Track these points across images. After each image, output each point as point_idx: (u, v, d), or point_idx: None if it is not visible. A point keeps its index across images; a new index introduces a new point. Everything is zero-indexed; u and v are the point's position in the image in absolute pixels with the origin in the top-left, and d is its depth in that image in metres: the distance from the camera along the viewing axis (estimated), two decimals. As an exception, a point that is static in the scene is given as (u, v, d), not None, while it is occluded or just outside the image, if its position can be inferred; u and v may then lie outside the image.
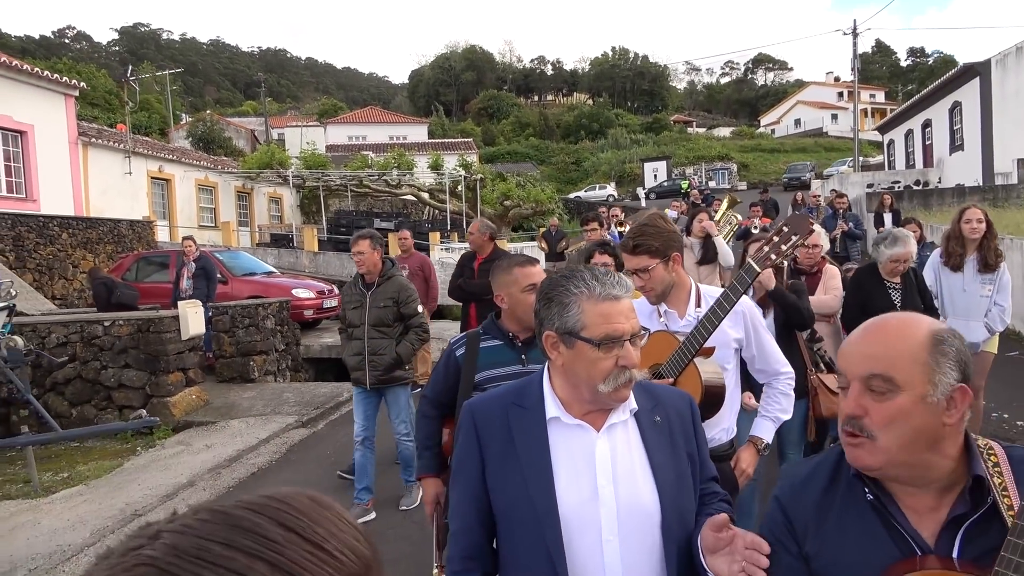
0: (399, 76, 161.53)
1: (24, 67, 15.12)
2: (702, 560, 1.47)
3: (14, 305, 6.35)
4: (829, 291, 4.63)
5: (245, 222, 24.24)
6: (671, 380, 2.37)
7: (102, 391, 8.09)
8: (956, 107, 23.63)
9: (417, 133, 55.84)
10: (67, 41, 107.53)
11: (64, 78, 16.20)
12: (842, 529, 1.25)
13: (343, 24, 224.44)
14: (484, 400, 1.72)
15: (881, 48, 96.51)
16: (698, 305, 2.62)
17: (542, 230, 16.19)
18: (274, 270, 13.93)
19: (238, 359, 9.64)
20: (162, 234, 18.68)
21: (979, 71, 21.56)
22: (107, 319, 8.05)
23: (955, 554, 1.16)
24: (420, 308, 5.23)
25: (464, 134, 62.25)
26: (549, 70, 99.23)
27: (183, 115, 59.95)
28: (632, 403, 1.59)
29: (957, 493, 1.19)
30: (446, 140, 50.79)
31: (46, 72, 15.69)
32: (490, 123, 74.44)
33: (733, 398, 2.72)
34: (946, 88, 24.15)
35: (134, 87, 19.12)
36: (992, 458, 1.19)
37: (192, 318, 8.02)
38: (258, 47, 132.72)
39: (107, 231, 15.06)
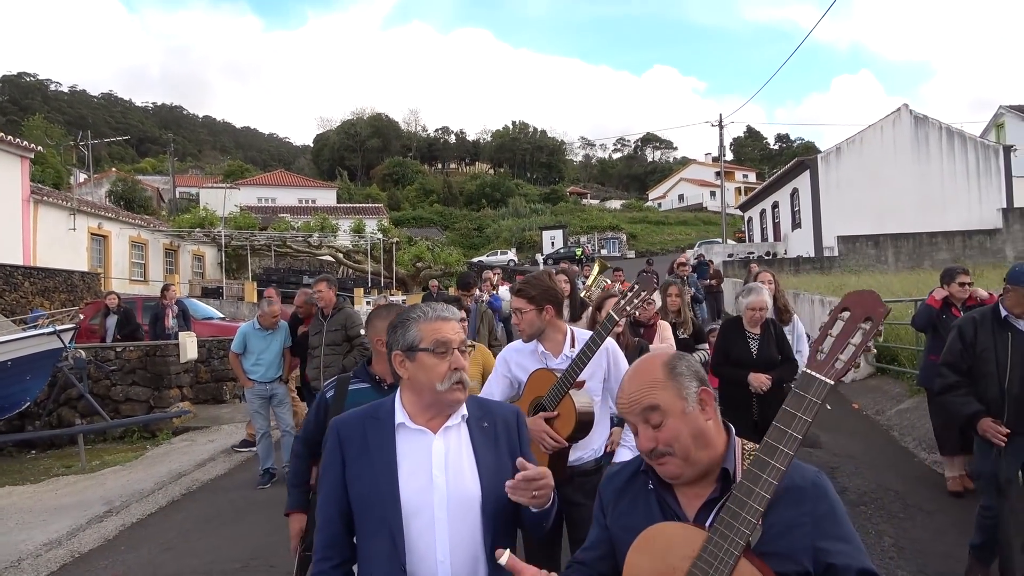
0: (300, 138, 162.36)
1: (-10, 132, 16.74)
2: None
3: (78, 327, 8.44)
4: (664, 340, 5.22)
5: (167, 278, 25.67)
6: (553, 410, 2.82)
7: (111, 405, 10.04)
8: (795, 193, 28.61)
9: (326, 197, 57.68)
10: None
11: (23, 142, 17.82)
12: (632, 508, 1.61)
13: (241, 84, 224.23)
14: (346, 416, 2.04)
15: (752, 134, 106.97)
16: (572, 346, 3.06)
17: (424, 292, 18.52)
18: (223, 316, 15.94)
19: (212, 384, 11.72)
20: (99, 286, 20.08)
21: (808, 165, 26.55)
22: (119, 346, 10.10)
23: (708, 524, 1.46)
24: (363, 331, 5.93)
25: (370, 199, 64.18)
26: (453, 140, 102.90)
27: (75, 169, 59.30)
28: (464, 411, 1.94)
29: (715, 481, 1.51)
30: (357, 205, 52.84)
31: (10, 137, 17.32)
32: (395, 188, 76.40)
33: (601, 426, 3.17)
34: (787, 177, 29.18)
35: (83, 151, 20.71)
36: (752, 456, 1.45)
37: (190, 346, 10.17)
38: (152, 103, 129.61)
39: (62, 281, 16.62)
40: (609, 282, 13.41)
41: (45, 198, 18.91)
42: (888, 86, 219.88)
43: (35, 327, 9.21)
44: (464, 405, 1.95)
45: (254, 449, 8.25)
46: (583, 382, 2.91)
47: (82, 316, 10.32)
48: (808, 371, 1.39)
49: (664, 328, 5.30)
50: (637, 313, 3.40)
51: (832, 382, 1.37)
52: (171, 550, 5.63)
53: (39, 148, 18.09)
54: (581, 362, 2.84)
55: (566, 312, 7.67)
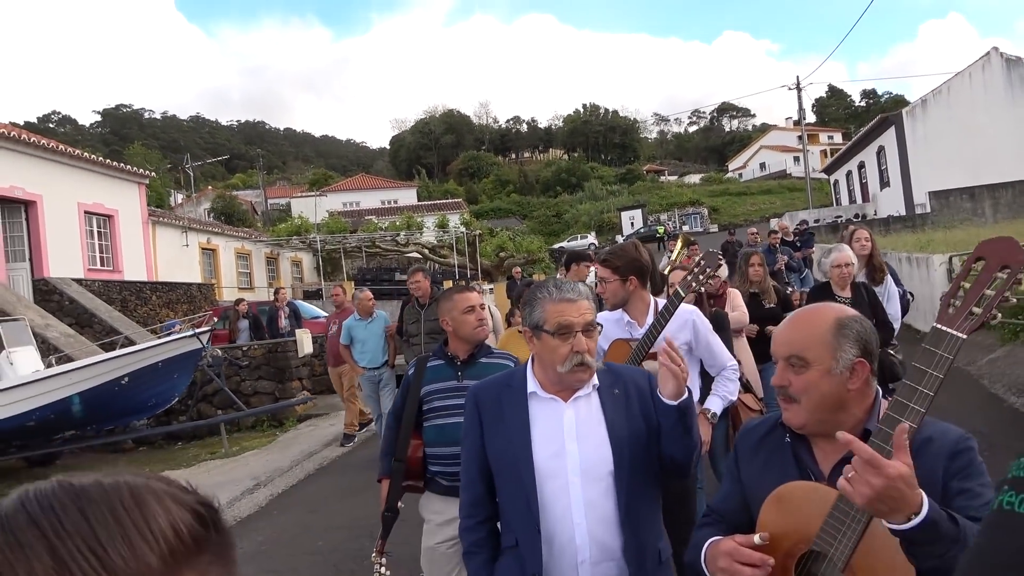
0: (377, 141, 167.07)
1: (111, 162, 18.56)
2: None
3: (213, 329, 9.57)
4: (736, 309, 5.16)
5: (273, 283, 27.47)
6: None
7: (241, 398, 11.21)
8: (882, 151, 27.72)
9: (406, 196, 59.39)
10: (52, 125, 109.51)
11: (140, 169, 19.64)
12: (767, 462, 1.63)
13: (316, 94, 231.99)
14: (483, 384, 2.20)
15: (835, 92, 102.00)
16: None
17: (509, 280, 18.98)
18: (328, 314, 17.15)
19: (326, 376, 12.76)
20: (212, 295, 21.77)
21: (893, 121, 25.69)
22: (245, 346, 11.26)
23: None
24: None
25: (449, 194, 65.44)
26: (524, 129, 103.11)
27: (172, 191, 62.91)
28: (595, 380, 2.02)
29: None
30: (437, 201, 54.10)
31: (130, 167, 19.17)
32: (472, 182, 77.37)
33: (691, 393, 2.99)
34: (872, 135, 28.29)
35: (189, 173, 22.60)
36: None
37: (306, 341, 11.22)
38: (236, 120, 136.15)
39: (183, 293, 18.30)
40: (688, 256, 13.73)
41: (161, 219, 20.76)
42: (981, 27, 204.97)
43: (169, 333, 10.44)
44: (595, 375, 2.02)
45: (354, 442, 8.99)
46: (656, 353, 3.12)
47: (216, 320, 11.56)
48: (938, 326, 1.34)
49: (734, 296, 5.25)
50: (703, 288, 3.43)
51: (965, 336, 1.31)
52: (315, 512, 6.51)
53: (152, 174, 19.91)
54: (653, 334, 2.97)
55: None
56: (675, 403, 1.92)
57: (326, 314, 17.34)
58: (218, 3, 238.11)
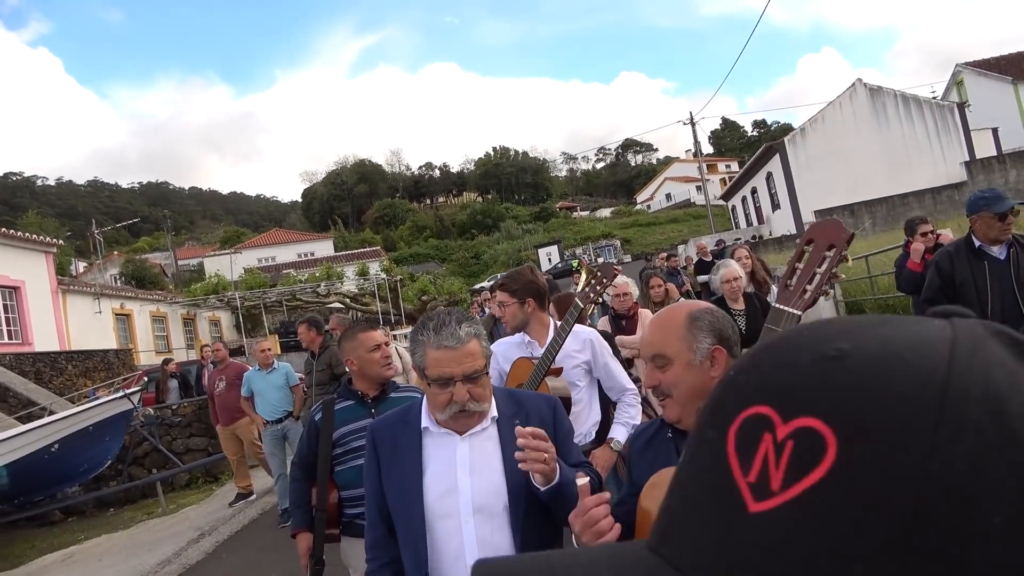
0: (288, 195, 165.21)
1: (16, 233, 18.12)
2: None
3: (143, 389, 9.65)
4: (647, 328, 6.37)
5: (191, 344, 26.93)
6: None
7: (174, 456, 11.20)
8: (770, 176, 29.95)
9: (323, 248, 58.96)
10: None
11: (46, 238, 19.20)
12: (654, 460, 1.66)
13: (220, 152, 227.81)
14: (380, 420, 2.13)
15: (728, 124, 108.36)
16: None
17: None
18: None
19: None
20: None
21: (777, 149, 27.93)
22: (175, 404, 11.29)
23: None
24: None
25: (366, 243, 65.15)
26: (437, 174, 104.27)
27: (72, 259, 60.37)
28: (494, 411, 1.97)
29: None
30: (356, 251, 53.97)
31: (33, 235, 18.73)
32: (388, 230, 77.37)
33: (590, 411, 3.31)
34: (760, 163, 30.56)
35: (98, 239, 22.14)
36: None
37: (236, 394, 11.33)
38: (138, 182, 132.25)
39: (99, 360, 17.86)
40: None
41: (71, 287, 20.27)
42: (852, 59, 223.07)
43: (97, 398, 10.43)
44: (494, 404, 1.98)
45: (252, 498, 8.87)
46: (560, 369, 3.08)
47: (146, 379, 11.55)
48: (778, 305, 1.41)
49: (645, 316, 5.35)
50: (600, 299, 3.47)
51: (800, 313, 1.38)
52: (265, 551, 6.78)
53: (60, 242, 19.50)
54: (553, 349, 3.00)
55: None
56: (543, 490, 1.84)
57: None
58: (111, 65, 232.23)
